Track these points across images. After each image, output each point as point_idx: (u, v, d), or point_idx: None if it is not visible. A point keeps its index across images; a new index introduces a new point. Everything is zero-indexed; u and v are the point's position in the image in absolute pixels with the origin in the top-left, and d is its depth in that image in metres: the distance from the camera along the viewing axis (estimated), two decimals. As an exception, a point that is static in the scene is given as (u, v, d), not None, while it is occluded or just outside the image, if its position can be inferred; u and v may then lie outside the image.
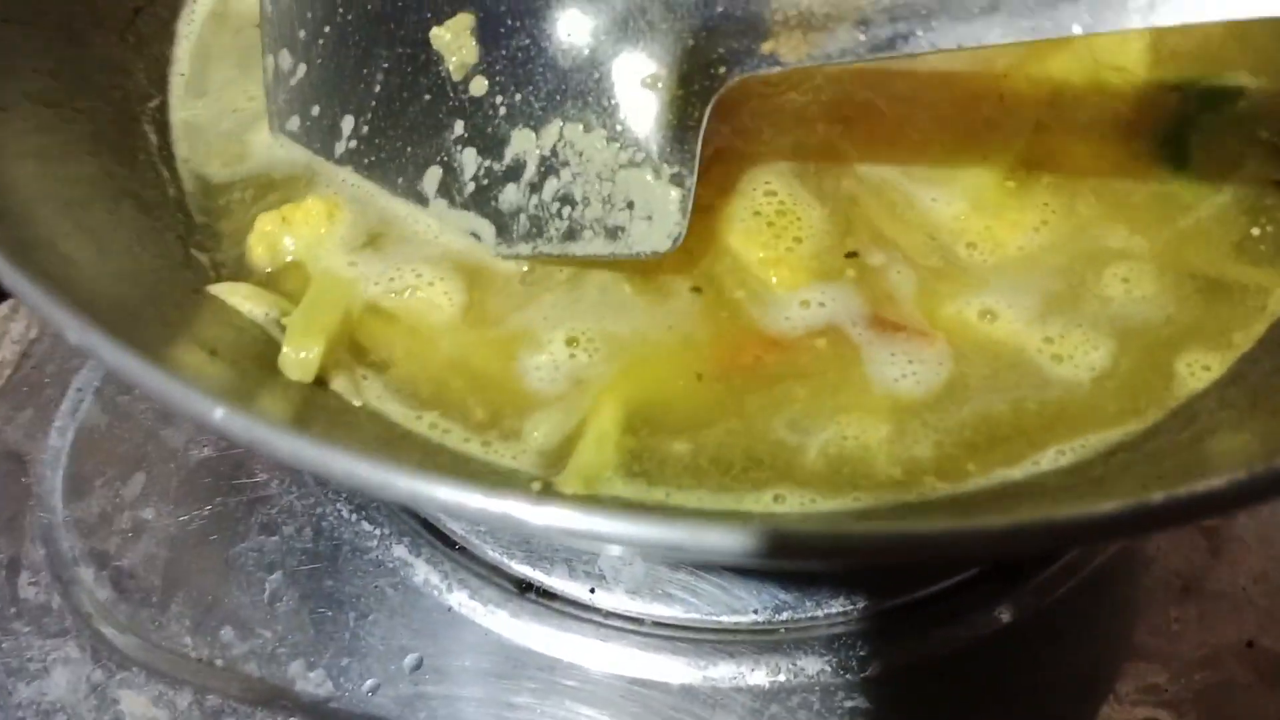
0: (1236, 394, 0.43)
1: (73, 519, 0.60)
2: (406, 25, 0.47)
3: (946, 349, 0.46)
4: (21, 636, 0.57)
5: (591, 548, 0.54)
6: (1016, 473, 0.42)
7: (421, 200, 0.48)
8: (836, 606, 0.57)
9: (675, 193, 0.44)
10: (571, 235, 0.45)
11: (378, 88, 0.48)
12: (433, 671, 0.56)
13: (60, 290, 0.34)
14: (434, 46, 0.47)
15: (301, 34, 0.50)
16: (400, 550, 0.59)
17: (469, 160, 0.47)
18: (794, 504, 0.42)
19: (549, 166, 0.45)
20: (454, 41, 0.46)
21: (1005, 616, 0.58)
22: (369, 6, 0.49)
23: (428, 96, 0.47)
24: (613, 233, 0.45)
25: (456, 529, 0.59)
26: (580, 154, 0.45)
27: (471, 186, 0.47)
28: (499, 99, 0.46)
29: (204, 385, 0.32)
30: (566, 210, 0.45)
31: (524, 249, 0.46)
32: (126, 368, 0.31)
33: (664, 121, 0.44)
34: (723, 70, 0.43)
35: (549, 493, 0.41)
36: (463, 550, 0.59)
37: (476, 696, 0.56)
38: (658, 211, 0.44)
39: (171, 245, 0.48)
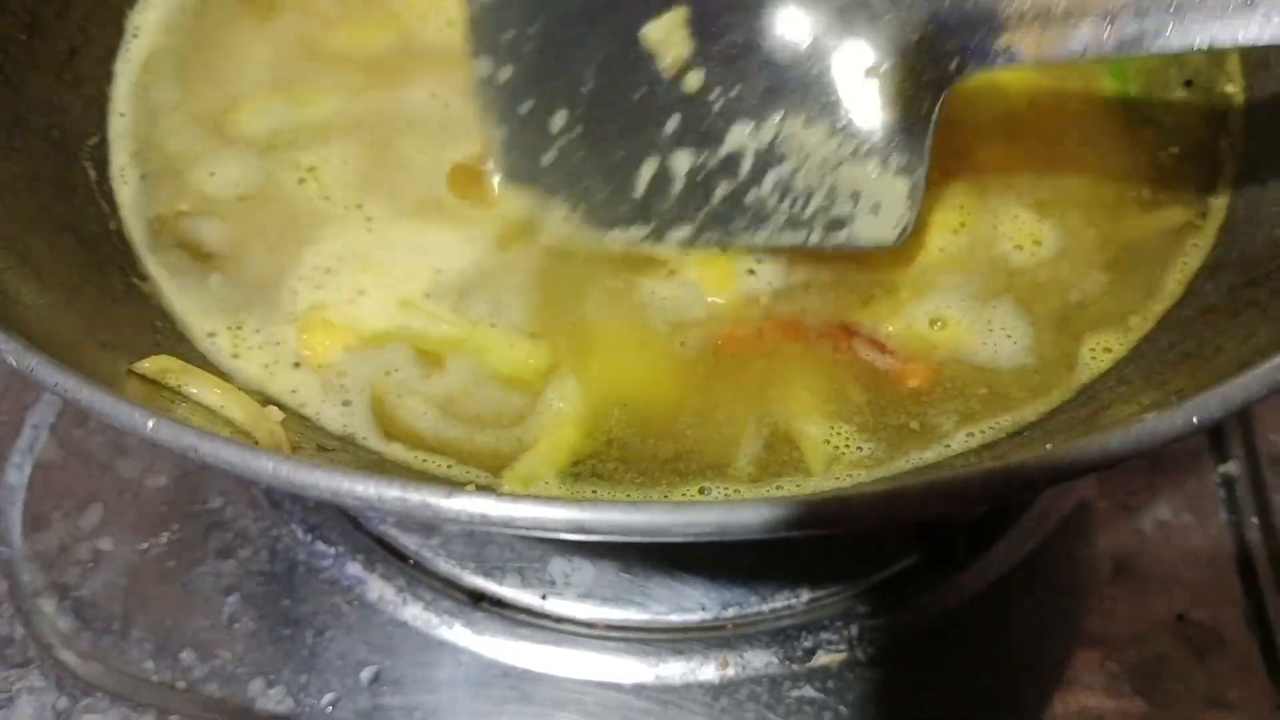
0: (1133, 372, 0.45)
1: (33, 552, 0.61)
2: (617, 21, 0.46)
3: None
4: (-16, 668, 0.58)
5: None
6: (930, 455, 0.44)
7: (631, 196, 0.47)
8: (781, 601, 0.59)
9: (903, 184, 0.44)
10: (793, 226, 0.45)
11: (587, 87, 0.47)
12: (390, 684, 0.58)
13: (3, 320, 0.36)
14: (645, 43, 0.46)
15: (510, 34, 0.49)
16: (354, 568, 0.60)
17: (683, 158, 0.46)
18: (718, 495, 0.44)
19: (768, 160, 0.44)
20: (667, 38, 0.46)
21: (946, 603, 0.60)
22: (576, 4, 0.48)
23: (640, 93, 0.46)
24: (836, 224, 0.45)
25: (409, 543, 0.60)
26: (801, 147, 0.45)
27: (683, 183, 0.46)
28: (715, 93, 0.45)
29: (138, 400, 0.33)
30: (787, 203, 0.45)
31: (742, 240, 0.46)
32: (66, 388, 0.32)
33: (893, 114, 0.43)
34: (955, 64, 0.42)
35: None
36: (416, 565, 0.61)
37: (435, 706, 0.57)
38: (886, 202, 0.44)
39: (113, 277, 0.49)
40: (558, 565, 0.59)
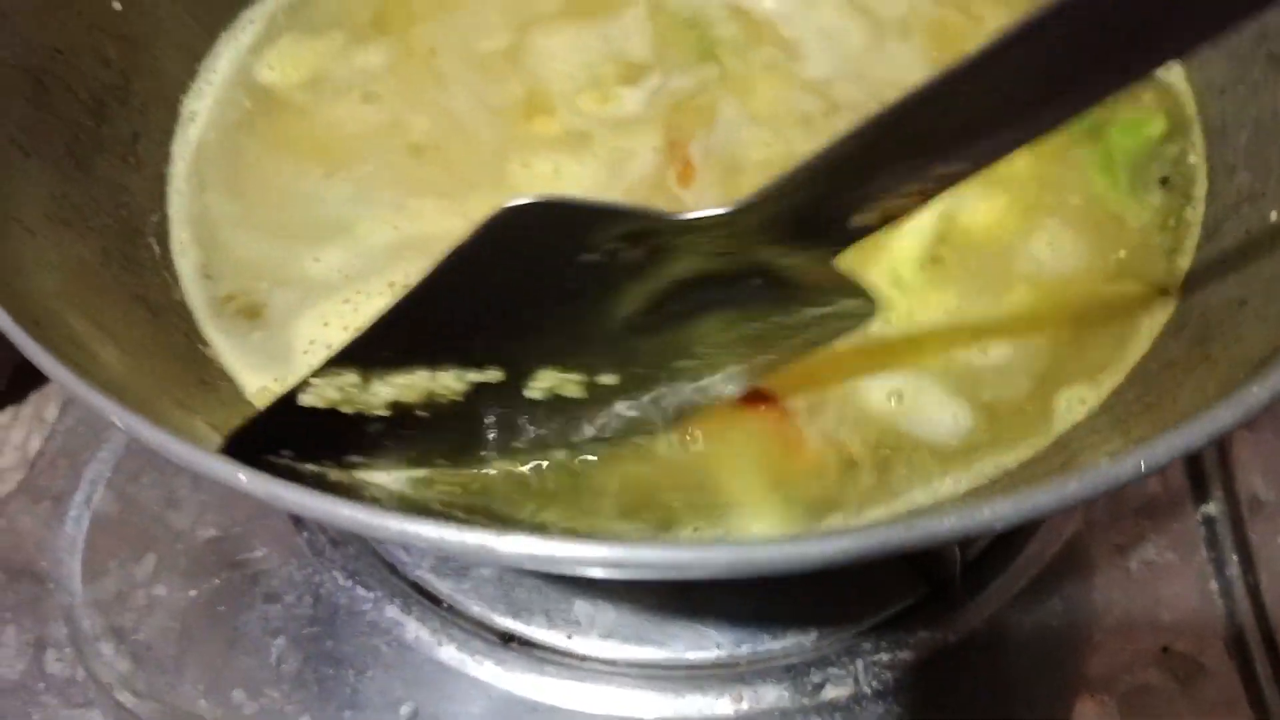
0: (1104, 422, 0.50)
1: (91, 599, 0.65)
2: None
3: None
4: (50, 709, 0.62)
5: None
6: (921, 497, 0.49)
7: None
8: (791, 639, 0.63)
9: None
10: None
11: None
12: (427, 719, 0.62)
13: (99, 384, 0.41)
14: None
15: None
16: (392, 611, 0.65)
17: None
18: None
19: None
20: None
21: (946, 638, 0.64)
22: None
23: None
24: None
25: (443, 587, 0.65)
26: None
27: None
28: None
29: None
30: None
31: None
32: (155, 441, 0.37)
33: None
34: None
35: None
36: (450, 608, 0.65)
37: (468, 740, 0.61)
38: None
39: (179, 343, 0.54)
40: (582, 607, 0.63)
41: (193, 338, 0.55)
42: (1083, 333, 0.54)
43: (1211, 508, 0.70)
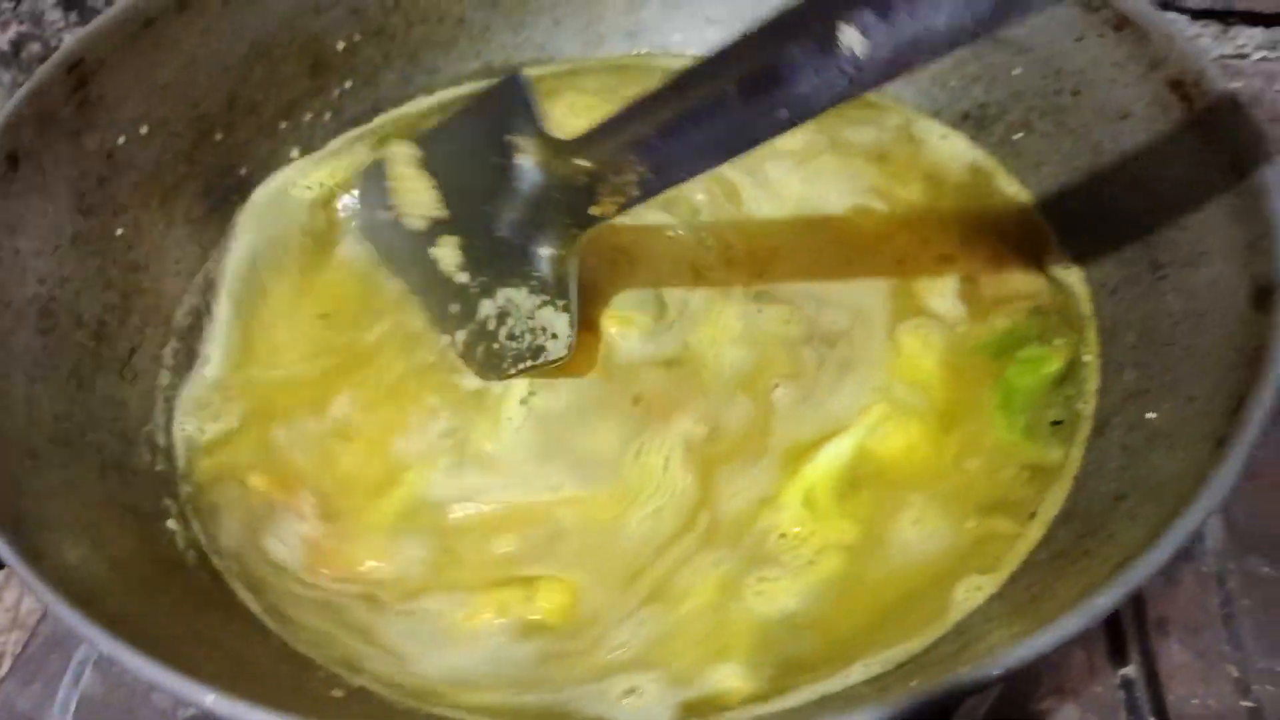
0: (1000, 608, 0.55)
1: (79, 780, 0.70)
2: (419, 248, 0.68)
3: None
4: None
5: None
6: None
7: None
8: None
9: (565, 316, 0.62)
10: (518, 360, 0.63)
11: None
12: None
13: (83, 603, 0.46)
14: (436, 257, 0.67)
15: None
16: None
17: (461, 330, 0.65)
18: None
19: (501, 319, 0.63)
20: (450, 254, 0.66)
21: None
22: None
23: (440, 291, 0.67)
24: (539, 350, 0.62)
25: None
26: (516, 305, 0.63)
27: (465, 347, 0.65)
28: (473, 281, 0.65)
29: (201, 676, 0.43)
30: (512, 345, 0.63)
31: (494, 377, 0.64)
32: (143, 670, 0.42)
33: (554, 274, 0.62)
34: (575, 233, 0.61)
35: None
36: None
37: None
38: (559, 330, 0.62)
39: (168, 551, 0.60)
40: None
41: (183, 546, 0.60)
42: (984, 521, 0.60)
43: (1130, 670, 0.75)
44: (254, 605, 0.59)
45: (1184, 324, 0.60)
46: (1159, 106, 0.65)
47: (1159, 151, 0.65)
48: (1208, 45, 0.97)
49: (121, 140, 0.69)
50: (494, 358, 0.64)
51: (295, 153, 0.79)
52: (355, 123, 0.82)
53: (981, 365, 0.67)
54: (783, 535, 0.60)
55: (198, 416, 0.68)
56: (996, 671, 0.41)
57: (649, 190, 0.57)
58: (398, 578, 0.59)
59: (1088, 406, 0.64)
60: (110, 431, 0.63)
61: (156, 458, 0.65)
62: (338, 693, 0.54)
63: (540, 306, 0.63)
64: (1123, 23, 0.66)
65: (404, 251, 0.70)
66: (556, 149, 0.61)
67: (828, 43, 0.47)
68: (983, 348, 0.67)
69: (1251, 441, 0.49)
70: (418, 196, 0.69)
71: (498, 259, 0.64)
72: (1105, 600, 0.44)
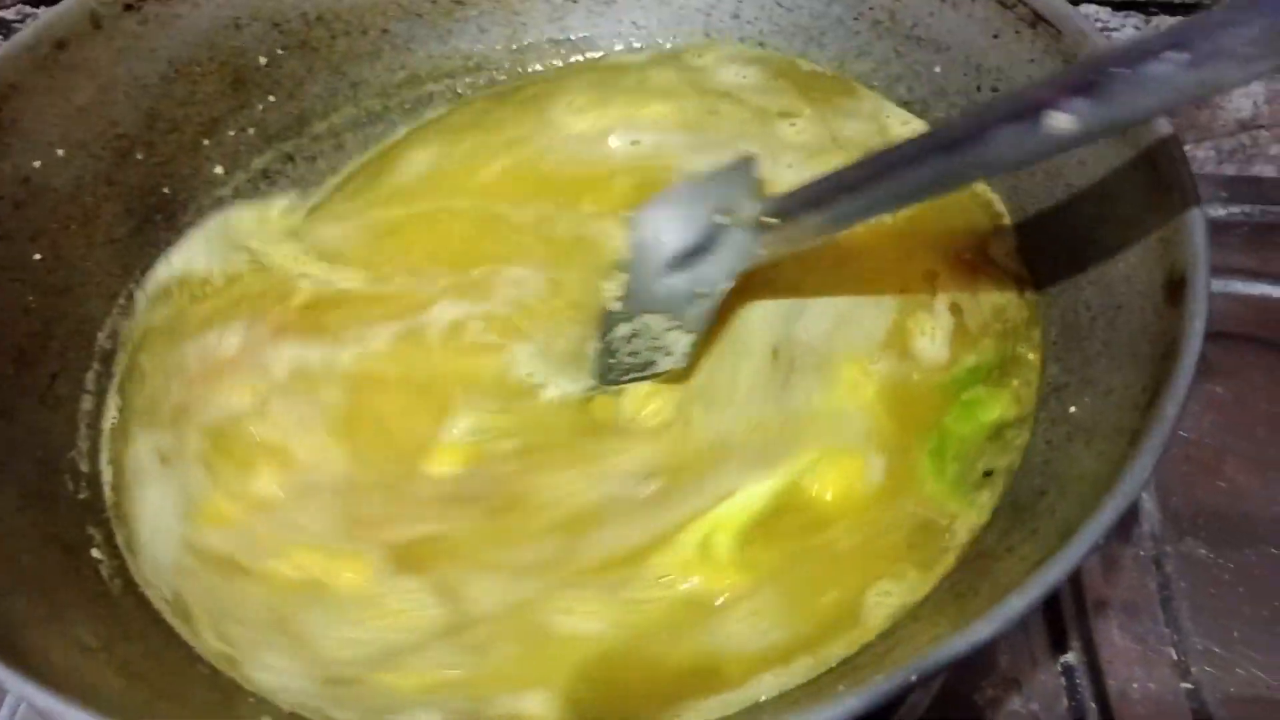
0: (927, 610, 0.56)
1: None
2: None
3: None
4: None
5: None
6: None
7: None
8: None
9: (689, 338, 0.66)
10: (629, 371, 0.67)
11: None
12: None
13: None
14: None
15: None
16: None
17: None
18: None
19: (629, 339, 0.68)
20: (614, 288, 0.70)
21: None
22: None
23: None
24: (648, 366, 0.66)
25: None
26: (649, 328, 0.67)
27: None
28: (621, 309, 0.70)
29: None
30: (629, 360, 0.67)
31: (605, 383, 0.67)
32: (57, 711, 0.42)
33: (697, 305, 0.66)
34: (734, 271, 0.65)
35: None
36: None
37: None
38: (677, 349, 0.66)
39: (92, 581, 0.59)
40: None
41: (109, 580, 0.60)
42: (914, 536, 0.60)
43: (1070, 657, 0.76)
44: (183, 631, 0.58)
45: (1101, 318, 0.61)
46: (1075, 101, 0.65)
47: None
48: (1130, 37, 0.98)
49: (37, 164, 0.68)
50: (610, 369, 0.67)
51: (219, 170, 0.78)
52: (280, 138, 0.81)
53: (931, 403, 0.65)
54: (661, 578, 0.59)
55: (124, 442, 0.67)
56: (914, 678, 0.41)
57: (820, 236, 0.62)
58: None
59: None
60: (31, 460, 0.63)
61: (80, 485, 0.64)
62: (267, 719, 0.53)
63: (669, 330, 0.66)
64: (1036, 19, 0.67)
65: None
66: (752, 209, 0.65)
67: (1034, 123, 0.49)
68: (938, 387, 0.66)
69: (1166, 435, 0.49)
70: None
71: (650, 293, 0.69)
72: (1020, 602, 0.44)
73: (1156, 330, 0.55)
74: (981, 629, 0.43)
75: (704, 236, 0.67)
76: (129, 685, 0.50)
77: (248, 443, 0.65)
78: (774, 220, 0.63)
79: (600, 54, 0.86)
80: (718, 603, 0.57)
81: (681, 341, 0.66)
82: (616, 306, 0.70)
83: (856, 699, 0.41)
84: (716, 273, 0.66)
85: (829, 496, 0.61)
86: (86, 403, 0.69)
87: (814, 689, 0.52)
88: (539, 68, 0.86)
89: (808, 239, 0.63)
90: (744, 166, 0.67)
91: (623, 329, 0.68)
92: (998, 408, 0.64)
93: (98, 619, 0.56)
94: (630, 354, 0.67)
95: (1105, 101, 0.48)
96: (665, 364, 0.66)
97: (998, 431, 0.63)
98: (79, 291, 0.71)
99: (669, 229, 0.69)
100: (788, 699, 0.52)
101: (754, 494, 0.61)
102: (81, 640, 0.53)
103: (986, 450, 0.63)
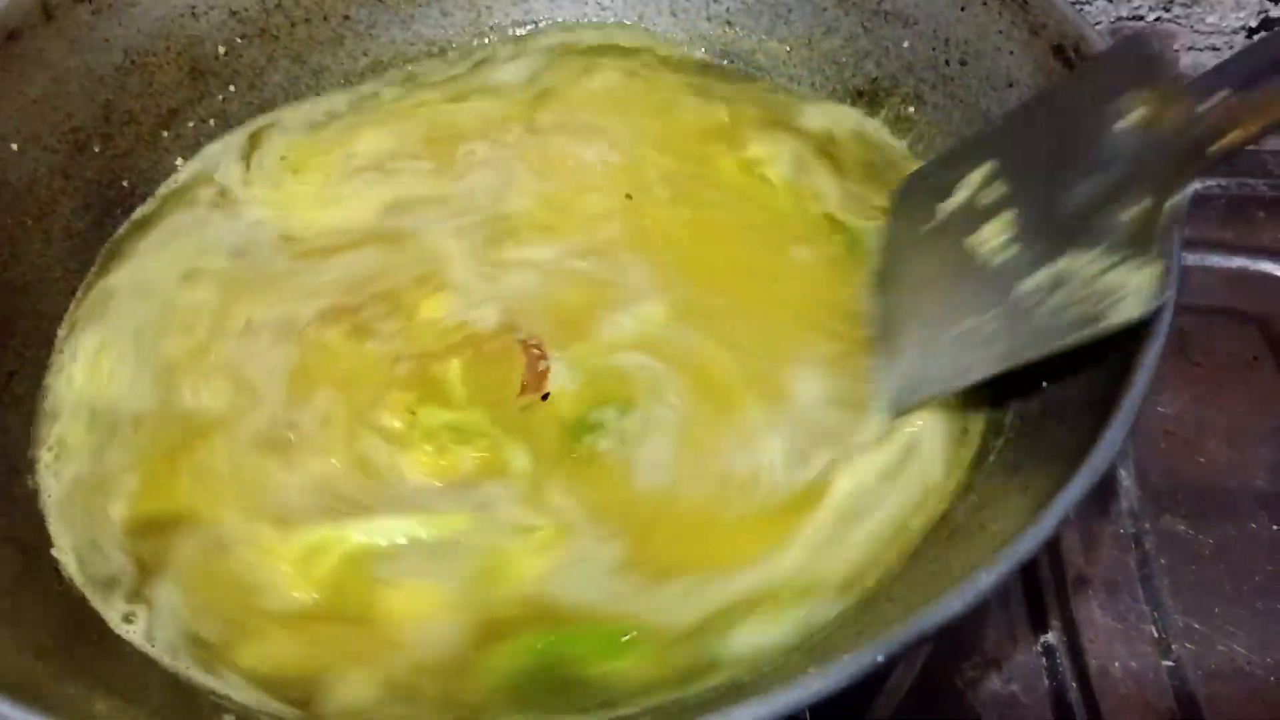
0: (900, 588, 0.55)
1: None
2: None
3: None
4: None
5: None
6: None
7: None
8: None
9: (1151, 269, 0.54)
10: (1074, 328, 0.55)
11: None
12: None
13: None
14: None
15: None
16: None
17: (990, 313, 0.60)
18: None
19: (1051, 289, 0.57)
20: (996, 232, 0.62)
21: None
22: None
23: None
24: (1095, 319, 0.55)
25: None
26: (1074, 273, 0.57)
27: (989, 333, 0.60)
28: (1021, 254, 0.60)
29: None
30: (1066, 312, 0.56)
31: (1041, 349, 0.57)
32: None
33: (1140, 231, 0.54)
34: (1181, 180, 0.54)
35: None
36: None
37: None
38: (1134, 287, 0.54)
39: (51, 582, 0.58)
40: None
41: (61, 575, 0.59)
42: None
43: (1050, 637, 0.75)
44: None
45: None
46: (1043, 73, 0.65)
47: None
48: (1103, 8, 0.97)
49: (-10, 159, 0.67)
50: (1040, 332, 0.57)
51: (179, 162, 0.77)
52: (241, 128, 0.80)
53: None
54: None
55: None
56: (880, 657, 0.41)
57: None
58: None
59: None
60: (-13, 459, 0.61)
61: (40, 485, 0.63)
62: (228, 718, 0.52)
63: (1108, 269, 0.55)
64: (1004, -9, 0.66)
65: (929, 254, 0.67)
66: (1174, 99, 0.55)
67: None
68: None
69: (1136, 405, 0.48)
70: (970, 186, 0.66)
71: (1062, 229, 0.59)
72: (990, 575, 0.44)
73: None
74: (953, 602, 0.42)
75: (1104, 151, 0.57)
76: (86, 687, 0.49)
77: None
78: (1220, 98, 0.52)
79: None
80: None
81: (1136, 278, 0.54)
82: (1006, 256, 0.61)
83: (824, 679, 0.40)
84: (1149, 184, 0.54)
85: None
86: (50, 401, 0.67)
87: (782, 670, 0.51)
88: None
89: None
90: (1135, 46, 0.59)
91: (1035, 279, 0.58)
92: None
93: (55, 620, 0.55)
94: (1062, 307, 0.57)
95: None
96: (1125, 311, 0.54)
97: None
98: (36, 288, 0.70)
99: (1043, 146, 0.61)
100: (759, 685, 0.51)
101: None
102: (38, 641, 0.51)
103: None
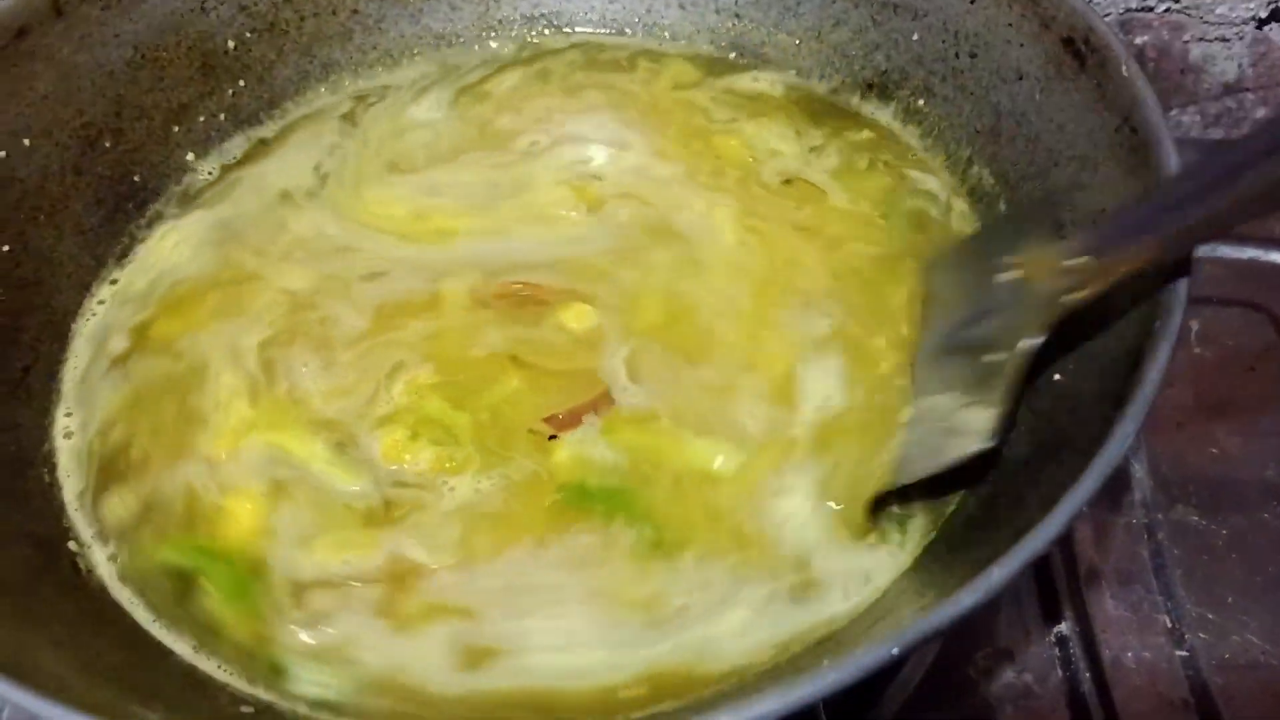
0: (912, 582, 0.55)
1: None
2: None
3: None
4: None
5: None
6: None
7: None
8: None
9: (991, 411, 0.57)
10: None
11: None
12: None
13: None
14: None
15: None
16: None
17: None
18: None
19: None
20: None
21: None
22: None
23: None
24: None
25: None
26: (934, 410, 0.61)
27: None
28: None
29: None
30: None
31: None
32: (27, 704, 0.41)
33: (993, 374, 0.58)
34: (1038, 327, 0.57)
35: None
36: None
37: None
38: (976, 428, 0.57)
39: (68, 575, 0.58)
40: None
41: (79, 567, 0.59)
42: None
43: (1064, 627, 0.75)
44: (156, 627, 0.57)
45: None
46: (1053, 65, 0.65)
47: (1055, 110, 0.65)
48: (1113, 0, 0.97)
49: (2, 155, 0.67)
50: (906, 461, 0.60)
51: (190, 156, 0.77)
52: (252, 123, 0.80)
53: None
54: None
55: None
56: (895, 650, 0.41)
57: (1157, 265, 0.53)
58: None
59: None
60: (3, 455, 0.62)
61: (56, 479, 0.63)
62: (247, 709, 0.53)
63: (963, 409, 0.58)
64: (1014, -17, 0.66)
65: None
66: (1048, 256, 0.57)
67: None
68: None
69: (1149, 399, 0.48)
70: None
71: (935, 371, 0.62)
72: (1003, 570, 0.44)
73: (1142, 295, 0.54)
74: (965, 598, 0.42)
75: (989, 300, 0.60)
76: (102, 681, 0.49)
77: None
78: (1081, 261, 0.55)
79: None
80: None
81: (977, 420, 0.57)
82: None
83: (839, 672, 0.40)
84: (1012, 332, 0.57)
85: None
86: (64, 396, 0.67)
87: (796, 664, 0.52)
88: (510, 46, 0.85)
89: (1128, 271, 0.54)
90: (1032, 210, 0.64)
91: (902, 414, 0.62)
92: None
93: (71, 614, 0.55)
94: (913, 444, 0.60)
95: None
96: (963, 447, 0.57)
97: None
98: (50, 283, 0.70)
99: (951, 289, 0.65)
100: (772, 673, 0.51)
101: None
102: (54, 635, 0.52)
103: None
